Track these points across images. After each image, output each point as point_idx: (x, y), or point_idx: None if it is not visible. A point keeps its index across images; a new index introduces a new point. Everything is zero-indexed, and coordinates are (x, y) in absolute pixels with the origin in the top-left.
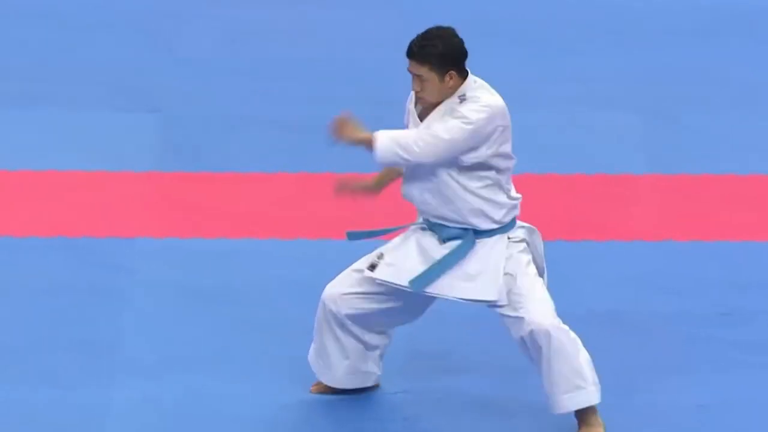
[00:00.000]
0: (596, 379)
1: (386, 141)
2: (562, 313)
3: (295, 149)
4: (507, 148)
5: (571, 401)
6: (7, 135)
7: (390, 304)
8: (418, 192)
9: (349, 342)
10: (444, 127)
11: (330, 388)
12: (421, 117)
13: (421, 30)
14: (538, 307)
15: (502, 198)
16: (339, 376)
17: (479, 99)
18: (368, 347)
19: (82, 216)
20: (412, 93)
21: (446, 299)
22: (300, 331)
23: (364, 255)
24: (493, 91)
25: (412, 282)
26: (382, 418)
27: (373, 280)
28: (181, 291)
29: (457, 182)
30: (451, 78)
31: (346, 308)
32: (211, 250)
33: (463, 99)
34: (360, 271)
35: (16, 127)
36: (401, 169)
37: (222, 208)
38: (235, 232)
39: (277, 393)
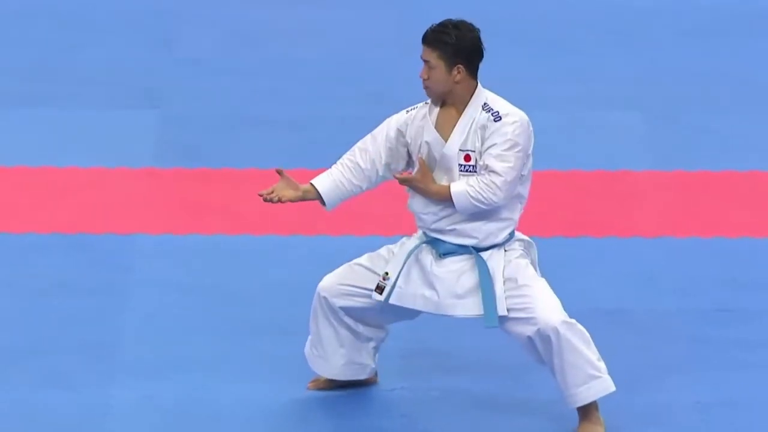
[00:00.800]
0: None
1: (462, 200)
2: None
3: (293, 147)
4: (530, 161)
5: (589, 392)
6: (6, 132)
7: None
8: (424, 203)
9: (343, 332)
10: (504, 166)
11: (327, 383)
12: (439, 126)
13: (420, 30)
14: (544, 304)
15: (510, 215)
16: (335, 366)
17: (511, 114)
18: (362, 339)
19: (81, 213)
20: (405, 114)
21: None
22: (297, 328)
23: (363, 252)
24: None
25: (487, 321)
26: (380, 415)
27: (370, 277)
28: (179, 288)
29: None
30: (459, 72)
31: (341, 301)
32: (210, 247)
33: (489, 111)
34: (359, 265)
35: (15, 124)
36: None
37: (220, 205)
38: (234, 228)
39: (276, 391)
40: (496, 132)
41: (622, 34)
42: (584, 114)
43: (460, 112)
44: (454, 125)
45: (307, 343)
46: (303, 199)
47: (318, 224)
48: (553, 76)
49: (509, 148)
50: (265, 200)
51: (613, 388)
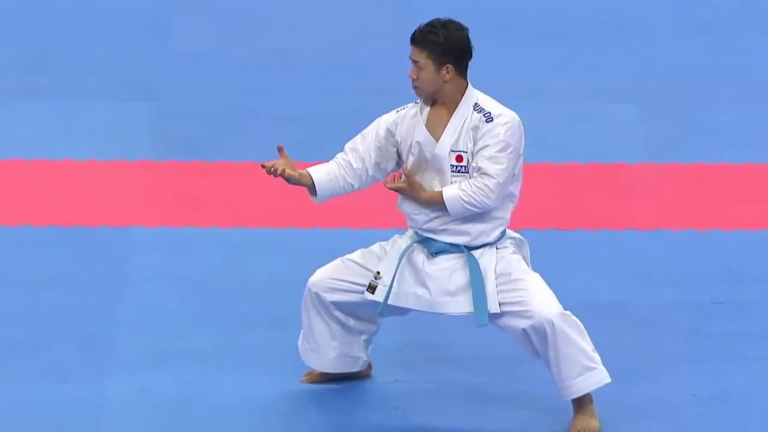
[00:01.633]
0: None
1: (455, 205)
2: None
3: (290, 140)
4: (521, 160)
5: (584, 383)
6: (1, 125)
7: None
8: (415, 204)
9: (334, 326)
10: (497, 169)
11: (321, 376)
12: (430, 126)
13: (419, 23)
14: (539, 297)
15: (501, 214)
16: (327, 359)
17: (503, 115)
18: (353, 332)
19: (76, 206)
20: (394, 114)
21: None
22: (293, 321)
23: (357, 245)
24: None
25: (477, 319)
26: (375, 408)
27: (361, 273)
28: (175, 281)
29: None
30: (448, 72)
31: (332, 296)
32: (205, 240)
33: (480, 111)
34: (351, 261)
35: (10, 117)
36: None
37: (215, 197)
38: (228, 221)
39: (271, 384)
40: (488, 133)
41: (618, 26)
42: (579, 107)
43: (450, 112)
44: (445, 125)
45: (300, 337)
46: (298, 182)
47: (312, 217)
48: (548, 69)
49: (501, 150)
50: (268, 172)
51: (608, 380)
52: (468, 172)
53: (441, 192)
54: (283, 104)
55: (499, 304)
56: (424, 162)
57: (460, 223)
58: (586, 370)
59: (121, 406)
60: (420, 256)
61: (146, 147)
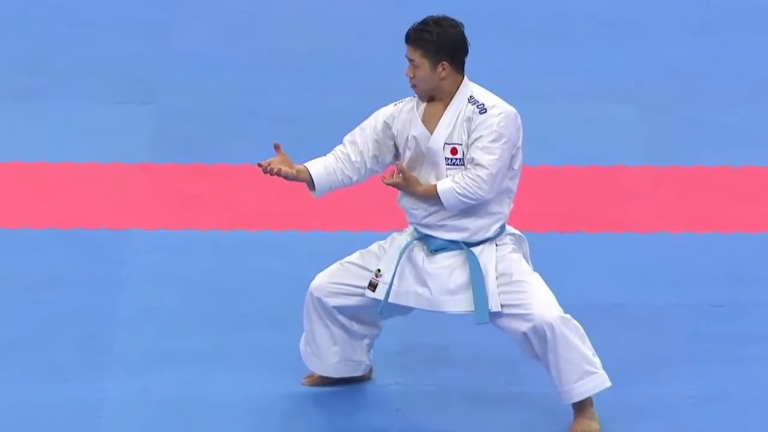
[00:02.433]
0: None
1: (450, 198)
2: None
3: (289, 141)
4: (520, 155)
5: (584, 387)
6: (1, 127)
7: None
8: (413, 199)
9: (336, 330)
10: (490, 159)
11: (322, 378)
12: (426, 120)
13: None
14: (540, 300)
15: (499, 209)
16: (329, 364)
17: (497, 106)
18: (355, 337)
19: (76, 208)
20: (392, 107)
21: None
22: (292, 323)
23: (357, 247)
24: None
25: (478, 317)
26: (376, 410)
27: (362, 275)
28: (174, 283)
29: None
30: (443, 69)
31: (333, 300)
32: (204, 242)
33: (474, 103)
34: (351, 264)
35: (8, 119)
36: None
37: (215, 200)
38: (228, 224)
39: (272, 385)
40: (481, 124)
41: (617, 26)
42: (578, 108)
43: (446, 106)
44: (440, 118)
45: (302, 340)
46: (296, 178)
47: (312, 219)
48: (547, 69)
49: (494, 140)
50: (264, 171)
51: (608, 384)
52: (463, 165)
53: (435, 185)
54: (283, 104)
55: (501, 306)
56: (421, 156)
57: (459, 219)
58: (586, 374)
59: (120, 407)
60: (420, 254)
61: (146, 149)
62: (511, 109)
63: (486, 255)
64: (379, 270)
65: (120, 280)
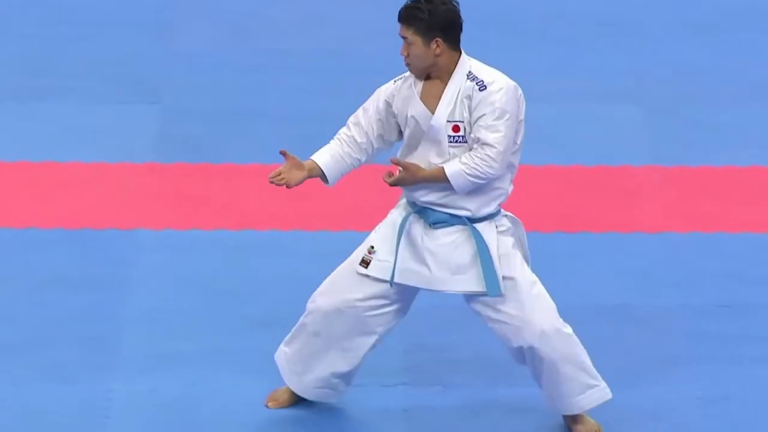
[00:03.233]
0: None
1: (459, 180)
2: (560, 306)
3: (295, 141)
4: (522, 128)
5: (586, 401)
6: (7, 127)
7: (381, 302)
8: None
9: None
10: (496, 137)
11: (290, 400)
12: (425, 98)
13: None
14: (540, 313)
15: (501, 184)
16: (308, 386)
17: (496, 81)
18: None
19: (82, 208)
20: (392, 85)
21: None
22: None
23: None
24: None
25: (491, 290)
26: (382, 410)
27: (363, 282)
28: (180, 283)
29: None
30: (437, 45)
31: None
32: (210, 242)
33: (474, 80)
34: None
35: (15, 119)
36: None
37: (222, 200)
38: (235, 224)
39: (276, 386)
40: (482, 102)
41: (620, 27)
42: (583, 108)
43: (445, 83)
44: (440, 97)
45: (282, 355)
46: (308, 177)
47: (319, 219)
48: (550, 70)
49: (498, 117)
50: (277, 184)
51: (610, 396)
52: (466, 142)
53: (442, 169)
54: (288, 105)
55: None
56: (420, 134)
57: (462, 196)
58: (587, 388)
59: (125, 407)
60: (418, 229)
61: (152, 149)
62: (511, 83)
63: (487, 235)
64: (372, 246)
65: (126, 280)
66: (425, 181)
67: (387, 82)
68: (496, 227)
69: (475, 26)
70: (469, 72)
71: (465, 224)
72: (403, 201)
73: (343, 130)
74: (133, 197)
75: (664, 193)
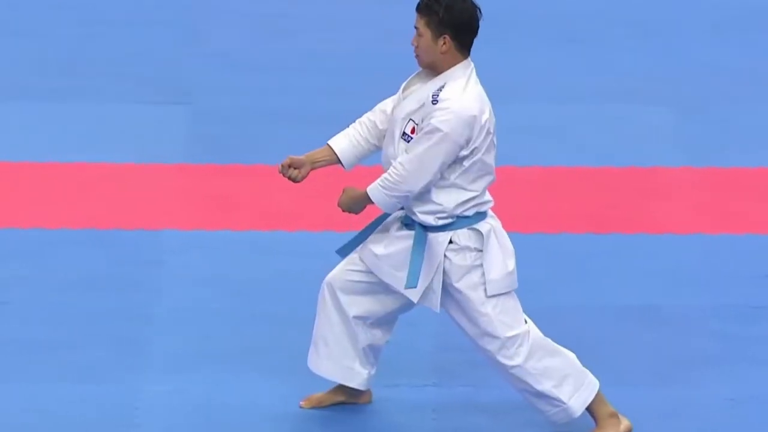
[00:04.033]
0: (580, 367)
1: (377, 194)
2: (592, 307)
3: (323, 142)
4: (488, 158)
5: (580, 399)
6: (39, 128)
7: (358, 276)
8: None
9: (337, 326)
10: (414, 148)
11: (318, 400)
12: (410, 85)
13: None
14: (484, 339)
15: (439, 201)
16: (321, 361)
17: (449, 101)
18: (357, 340)
19: (112, 208)
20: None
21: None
22: None
23: None
24: (474, 91)
25: (408, 280)
26: (412, 411)
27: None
28: (209, 283)
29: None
30: (444, 42)
31: (340, 282)
32: (240, 243)
33: (438, 91)
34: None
35: (46, 119)
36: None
37: (251, 200)
38: (264, 224)
39: (307, 386)
40: (428, 115)
41: (653, 28)
42: (614, 109)
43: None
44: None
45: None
46: (324, 165)
47: (348, 220)
48: (583, 71)
49: (428, 133)
50: (289, 178)
51: (597, 384)
52: None
53: (365, 190)
54: (316, 106)
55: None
56: (392, 122)
57: (410, 203)
58: (551, 409)
59: (154, 407)
60: (396, 223)
61: (181, 149)
62: (467, 112)
63: (433, 246)
64: None
65: (156, 281)
66: (355, 199)
67: None
68: (453, 245)
69: (507, 27)
70: (445, 84)
71: (419, 228)
72: None
73: (368, 114)
74: (162, 198)
75: (695, 194)
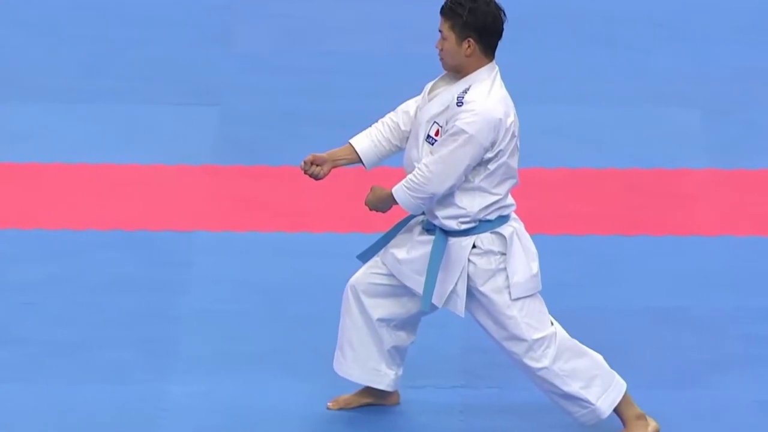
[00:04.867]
0: (607, 369)
1: (402, 195)
2: (619, 309)
3: None
4: (512, 161)
5: (608, 400)
6: (68, 129)
7: (379, 279)
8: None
9: (362, 329)
10: (439, 150)
11: (346, 402)
12: (435, 87)
13: None
14: (509, 342)
15: (462, 205)
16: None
17: (475, 102)
18: (382, 342)
19: (141, 209)
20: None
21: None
22: None
23: None
24: (499, 94)
25: (423, 304)
26: (439, 412)
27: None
28: (238, 285)
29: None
30: (469, 46)
31: (363, 285)
32: (267, 244)
33: (463, 93)
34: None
35: (75, 121)
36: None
37: (279, 202)
38: (292, 226)
39: (334, 387)
40: (452, 117)
41: (681, 30)
42: (642, 111)
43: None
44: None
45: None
46: (349, 163)
47: (376, 222)
48: (610, 73)
49: (453, 134)
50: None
51: (624, 386)
52: None
53: (390, 190)
54: (344, 107)
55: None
56: (415, 124)
57: (433, 206)
58: (579, 410)
59: (182, 408)
60: (418, 227)
61: (210, 151)
62: (493, 114)
63: (456, 251)
64: None
65: (184, 282)
66: (381, 199)
67: None
68: (474, 245)
69: (536, 30)
70: (470, 86)
71: (440, 233)
72: None
73: (391, 114)
74: (191, 199)
75: (723, 196)
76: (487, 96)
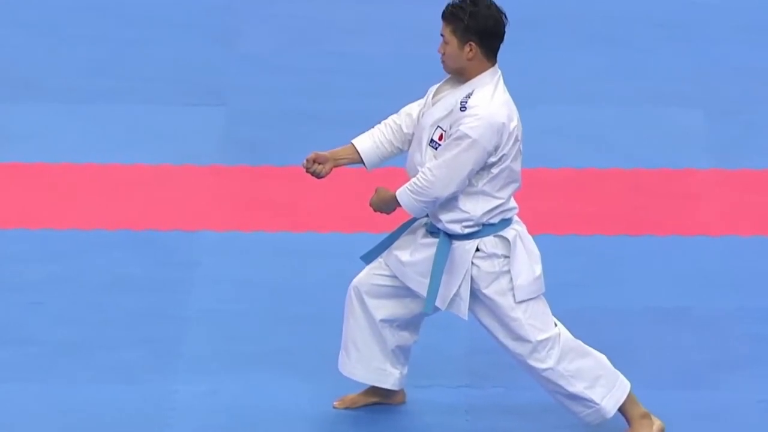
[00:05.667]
0: (612, 369)
1: (405, 199)
2: (623, 309)
3: None
4: (516, 165)
5: (613, 399)
6: (74, 129)
7: (383, 280)
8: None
9: (366, 331)
10: (443, 154)
11: (352, 401)
12: (438, 91)
13: None
14: (514, 342)
15: (466, 209)
16: (355, 367)
17: (478, 107)
18: (386, 342)
19: (147, 209)
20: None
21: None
22: None
23: None
24: (502, 99)
25: (426, 306)
26: (444, 412)
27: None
28: (244, 285)
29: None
30: (471, 50)
31: (366, 286)
32: (274, 244)
33: (467, 98)
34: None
35: (81, 121)
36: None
37: (284, 202)
38: (298, 226)
39: (340, 387)
40: (456, 121)
41: (684, 30)
42: (645, 111)
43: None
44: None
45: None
46: (350, 162)
47: (382, 222)
48: (614, 73)
49: (457, 139)
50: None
51: (628, 386)
52: None
53: (395, 192)
54: (350, 108)
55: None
56: (418, 128)
57: (436, 209)
58: (584, 410)
59: (188, 408)
60: (422, 230)
61: (216, 151)
62: (495, 117)
63: (459, 255)
64: None
65: (189, 282)
66: (386, 200)
67: None
68: (477, 249)
69: (536, 30)
70: (473, 90)
71: (443, 236)
72: None
73: (393, 116)
74: (197, 199)
75: (727, 196)
76: (490, 100)
